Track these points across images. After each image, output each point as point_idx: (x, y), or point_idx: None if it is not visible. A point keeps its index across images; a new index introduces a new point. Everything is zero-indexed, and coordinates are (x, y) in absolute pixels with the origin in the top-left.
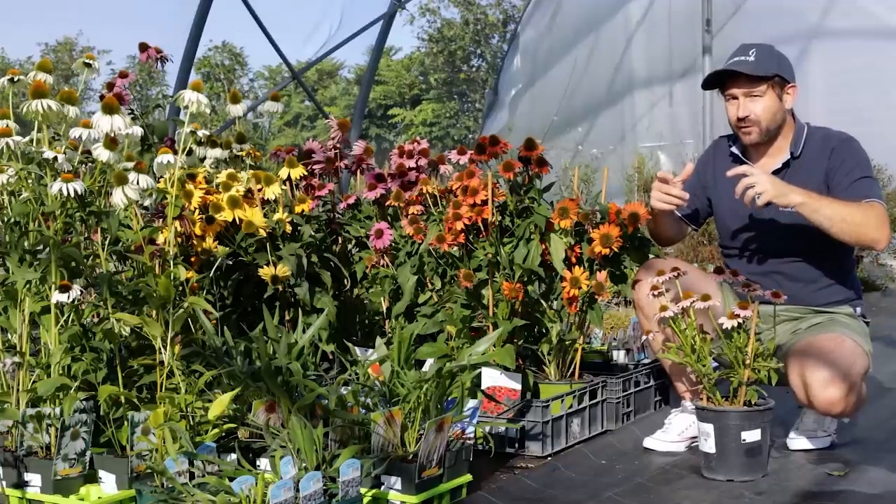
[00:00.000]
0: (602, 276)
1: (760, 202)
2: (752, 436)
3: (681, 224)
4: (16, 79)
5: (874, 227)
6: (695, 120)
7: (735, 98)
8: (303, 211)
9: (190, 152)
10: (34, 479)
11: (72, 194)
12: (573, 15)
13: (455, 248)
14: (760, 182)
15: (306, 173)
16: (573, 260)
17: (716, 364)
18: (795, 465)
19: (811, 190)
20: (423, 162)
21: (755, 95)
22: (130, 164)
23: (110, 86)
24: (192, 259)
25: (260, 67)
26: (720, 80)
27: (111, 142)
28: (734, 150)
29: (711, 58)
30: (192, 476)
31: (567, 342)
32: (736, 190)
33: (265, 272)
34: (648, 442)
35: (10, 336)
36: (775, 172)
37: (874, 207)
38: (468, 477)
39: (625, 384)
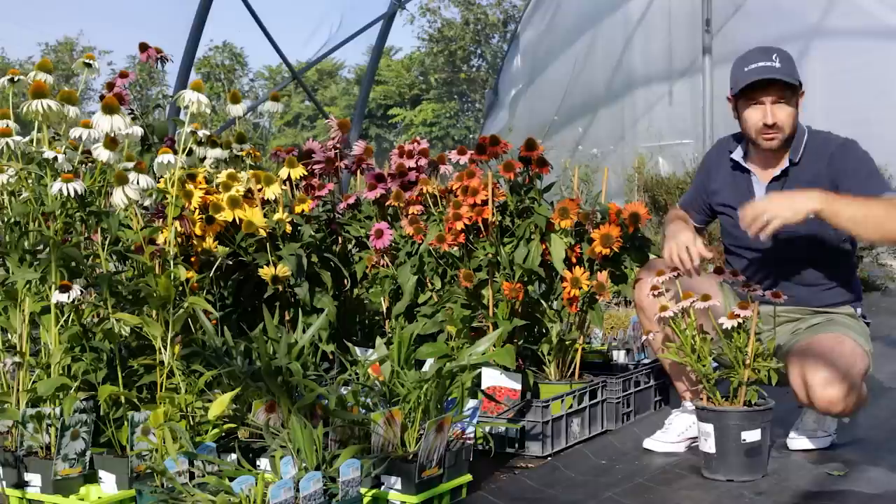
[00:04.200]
0: (602, 276)
1: (774, 227)
2: (752, 436)
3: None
4: (16, 79)
5: None
6: (695, 120)
7: (761, 104)
8: (303, 211)
9: (190, 152)
10: (34, 479)
11: (72, 194)
12: (573, 14)
13: (455, 248)
14: (770, 209)
15: (306, 173)
16: (573, 260)
17: (716, 364)
18: (795, 465)
19: None
20: (423, 162)
21: (782, 102)
22: (130, 164)
23: (110, 86)
24: (192, 259)
25: (260, 67)
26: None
27: (111, 142)
28: (734, 155)
29: (711, 58)
30: (192, 476)
31: (567, 342)
32: (742, 223)
33: (265, 272)
34: (648, 443)
35: (10, 336)
36: (774, 180)
37: (893, 201)
38: (468, 477)
39: (625, 384)
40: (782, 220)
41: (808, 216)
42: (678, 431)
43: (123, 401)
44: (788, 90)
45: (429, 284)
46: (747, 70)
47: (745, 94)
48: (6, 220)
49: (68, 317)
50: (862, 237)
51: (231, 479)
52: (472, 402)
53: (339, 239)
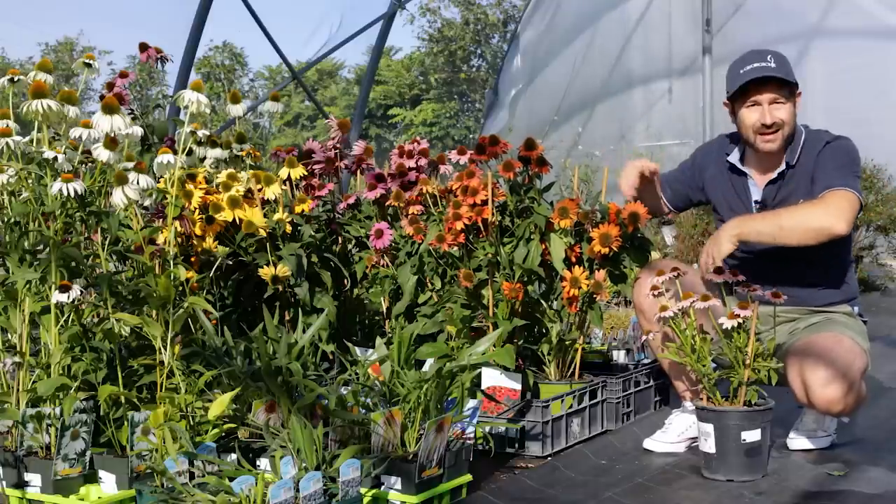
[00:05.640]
0: (600, 275)
1: (715, 265)
2: (752, 436)
3: (658, 203)
4: (16, 79)
5: (821, 215)
6: (695, 120)
7: (758, 104)
8: (303, 211)
9: (190, 152)
10: (34, 479)
11: (72, 194)
12: (573, 14)
13: (455, 248)
14: (710, 251)
15: (306, 173)
16: (573, 260)
17: (715, 364)
18: (795, 465)
19: (800, 198)
20: (423, 162)
21: (780, 102)
22: (130, 164)
23: (110, 86)
24: (192, 259)
25: (260, 67)
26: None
27: (111, 142)
28: (730, 158)
29: (711, 57)
30: (192, 476)
31: (567, 342)
32: (701, 271)
33: (265, 272)
34: (648, 443)
35: (10, 336)
36: (770, 183)
37: (828, 196)
38: (468, 477)
39: (625, 384)
40: (721, 254)
41: (736, 242)
42: (678, 431)
43: (123, 401)
44: (785, 89)
45: (429, 284)
46: (742, 72)
47: (741, 96)
48: (6, 220)
49: (68, 317)
50: (787, 245)
51: (231, 479)
52: (472, 402)
53: (339, 239)
